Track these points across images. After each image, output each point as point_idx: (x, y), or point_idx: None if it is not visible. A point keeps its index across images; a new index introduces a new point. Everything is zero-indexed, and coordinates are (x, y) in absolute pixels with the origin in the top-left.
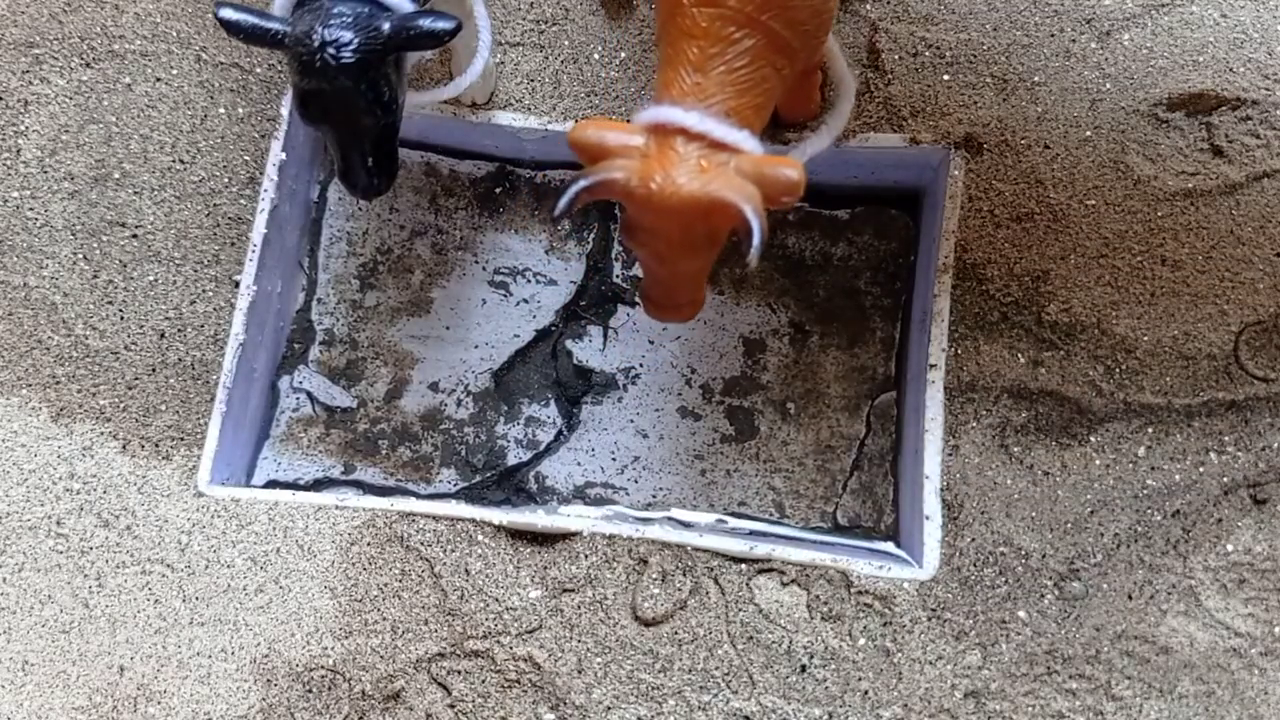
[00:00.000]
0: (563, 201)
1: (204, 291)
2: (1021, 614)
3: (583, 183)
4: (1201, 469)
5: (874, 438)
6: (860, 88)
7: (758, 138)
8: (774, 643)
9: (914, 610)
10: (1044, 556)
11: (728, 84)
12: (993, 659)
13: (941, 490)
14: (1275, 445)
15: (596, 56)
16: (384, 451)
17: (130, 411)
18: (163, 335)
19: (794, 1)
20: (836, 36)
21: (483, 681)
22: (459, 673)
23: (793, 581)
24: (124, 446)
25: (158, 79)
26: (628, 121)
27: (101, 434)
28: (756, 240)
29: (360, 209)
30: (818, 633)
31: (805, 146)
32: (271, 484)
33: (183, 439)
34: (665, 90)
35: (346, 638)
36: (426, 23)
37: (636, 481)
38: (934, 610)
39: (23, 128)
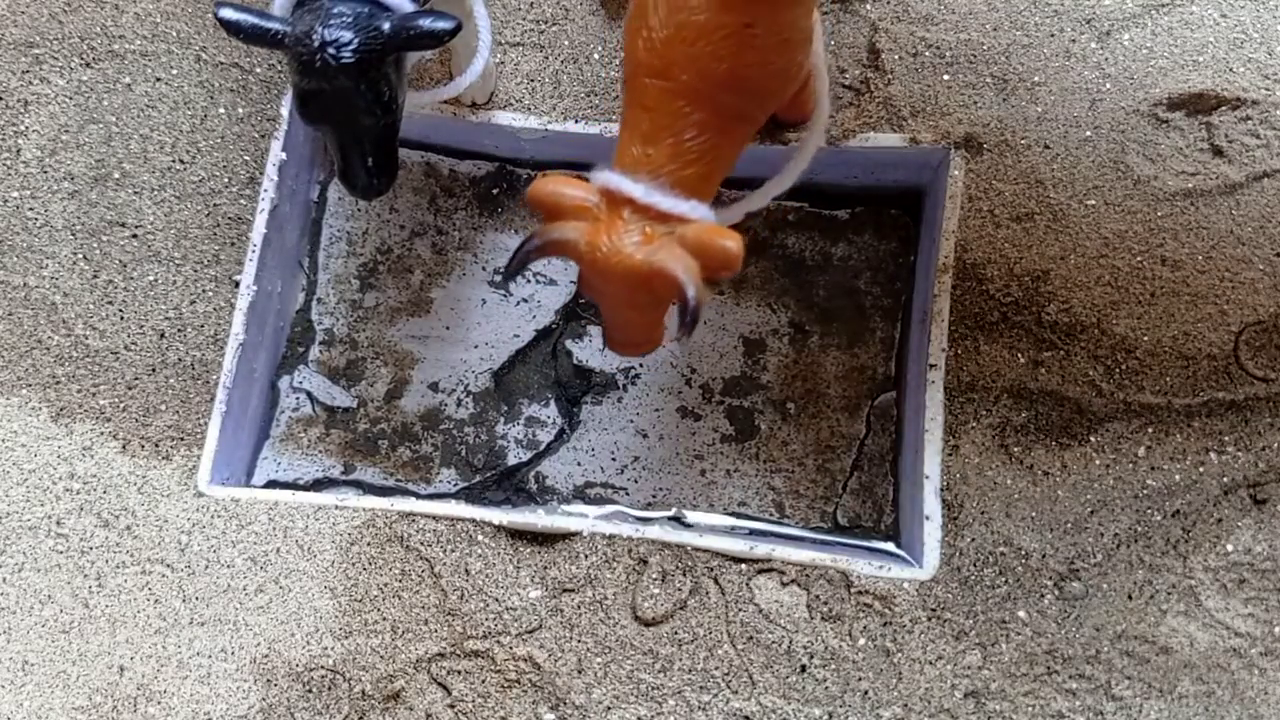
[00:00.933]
0: (513, 262)
1: (204, 291)
2: (1021, 614)
3: (535, 243)
4: (1201, 469)
5: (874, 438)
6: (860, 87)
7: (708, 203)
8: (774, 643)
9: (914, 610)
10: (1044, 556)
11: (677, 155)
12: (993, 659)
13: (941, 490)
14: (1275, 445)
15: (596, 56)
16: (384, 451)
17: (130, 411)
18: (163, 335)
19: (749, 73)
20: (836, 36)
21: (483, 681)
22: (459, 673)
23: (793, 581)
24: (124, 446)
25: (158, 79)
26: (585, 179)
27: (101, 434)
28: (690, 315)
29: (360, 209)
30: (818, 633)
31: (767, 188)
32: (271, 484)
33: (183, 439)
34: (619, 157)
35: (346, 638)
36: (426, 23)
37: (636, 481)
38: (934, 610)
39: (23, 128)
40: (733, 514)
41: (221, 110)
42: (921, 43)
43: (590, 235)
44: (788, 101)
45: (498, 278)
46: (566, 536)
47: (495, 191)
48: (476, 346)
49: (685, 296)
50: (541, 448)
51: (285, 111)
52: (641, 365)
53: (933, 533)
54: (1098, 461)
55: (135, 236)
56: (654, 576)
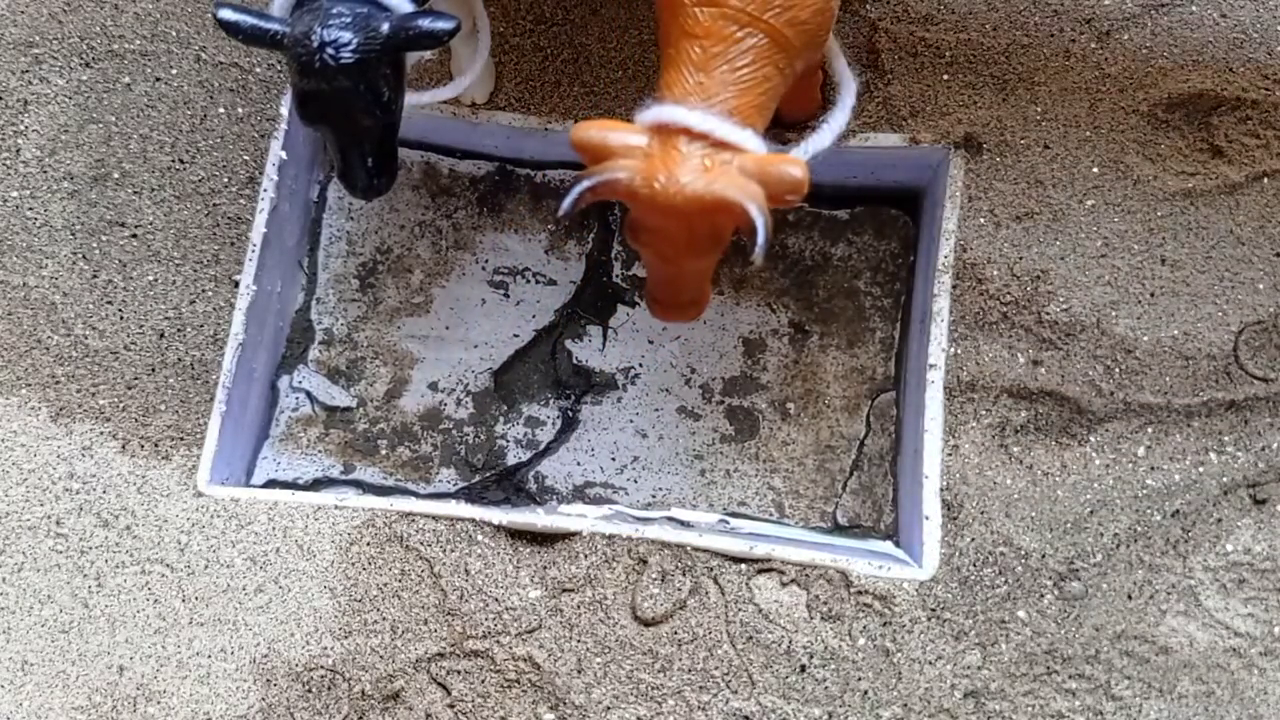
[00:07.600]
0: (567, 202)
1: (204, 291)
2: (1021, 614)
3: (587, 183)
4: (1201, 469)
5: (874, 438)
6: (860, 88)
7: (761, 136)
8: (774, 643)
9: (914, 610)
10: (1044, 556)
11: (730, 83)
12: (992, 659)
13: (941, 490)
14: (1275, 445)
15: (596, 56)
16: (383, 451)
17: (130, 411)
18: (162, 335)
19: (795, 1)
20: (837, 36)
21: (482, 681)
22: (459, 673)
23: (792, 581)
24: (124, 446)
25: (157, 79)
26: (630, 121)
27: (101, 434)
28: (761, 239)
29: (360, 209)
30: (817, 633)
31: (808, 144)
32: (271, 484)
33: (182, 439)
34: (668, 90)
35: (346, 638)
36: (426, 23)
37: (636, 481)
38: (934, 610)
39: (22, 127)
40: (732, 514)
41: (221, 110)
42: (921, 43)
43: (645, 170)
44: (793, 95)
45: (497, 277)
46: (566, 536)
47: (496, 191)
48: (476, 346)
49: (754, 222)
50: (541, 448)
51: (285, 111)
52: (641, 365)
53: (932, 533)
54: (1098, 461)
55: (135, 236)
56: (654, 576)
